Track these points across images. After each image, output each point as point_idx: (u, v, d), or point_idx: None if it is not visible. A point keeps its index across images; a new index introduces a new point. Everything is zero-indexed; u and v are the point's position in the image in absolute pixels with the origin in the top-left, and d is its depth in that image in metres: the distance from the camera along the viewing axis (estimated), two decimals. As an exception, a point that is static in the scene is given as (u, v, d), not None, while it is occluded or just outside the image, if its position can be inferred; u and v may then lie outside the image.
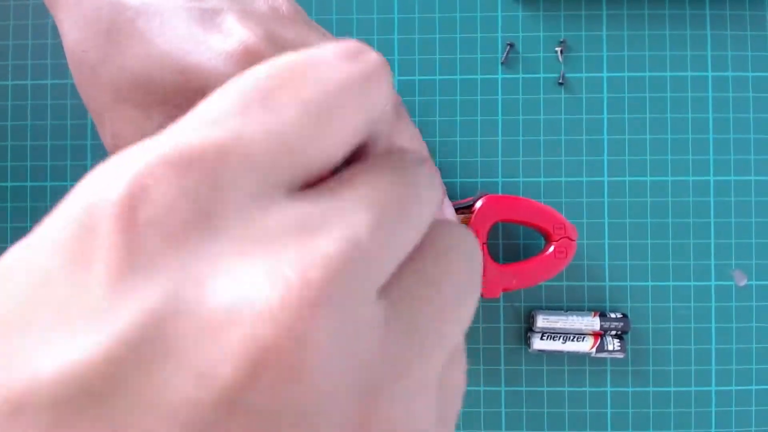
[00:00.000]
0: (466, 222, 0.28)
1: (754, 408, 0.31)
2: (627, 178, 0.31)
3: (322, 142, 0.12)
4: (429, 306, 0.12)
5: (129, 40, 0.23)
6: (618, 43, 0.31)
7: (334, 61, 0.13)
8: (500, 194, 0.30)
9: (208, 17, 0.23)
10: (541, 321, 0.30)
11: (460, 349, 0.15)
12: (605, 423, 0.31)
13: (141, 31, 0.23)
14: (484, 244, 0.28)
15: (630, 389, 0.31)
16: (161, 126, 0.24)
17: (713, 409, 0.31)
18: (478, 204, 0.28)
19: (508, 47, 0.31)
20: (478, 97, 0.31)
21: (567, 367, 0.31)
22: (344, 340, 0.10)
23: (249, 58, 0.22)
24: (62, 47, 0.32)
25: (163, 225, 0.10)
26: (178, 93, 0.24)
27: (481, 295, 0.28)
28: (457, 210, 0.29)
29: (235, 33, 0.23)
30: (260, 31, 0.23)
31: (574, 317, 0.30)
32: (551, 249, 0.28)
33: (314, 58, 0.13)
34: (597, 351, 0.30)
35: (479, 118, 0.31)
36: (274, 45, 0.23)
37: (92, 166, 0.32)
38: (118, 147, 0.25)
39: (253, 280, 0.10)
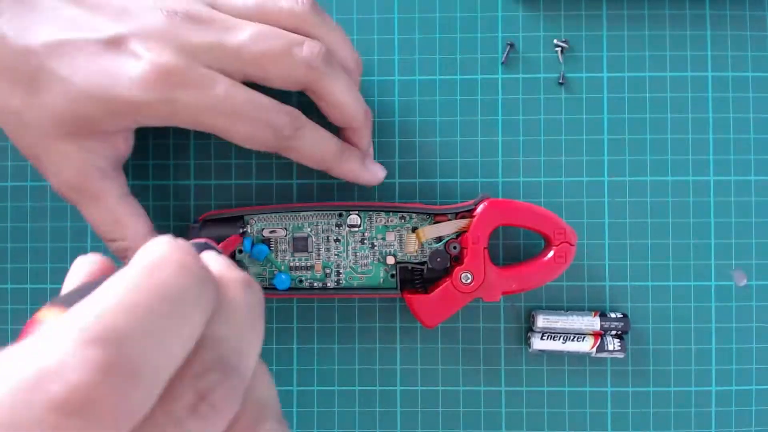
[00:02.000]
0: (466, 227, 0.28)
1: (754, 408, 0.31)
2: (627, 178, 0.31)
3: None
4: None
5: (45, 83, 0.24)
6: (618, 43, 0.31)
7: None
8: (501, 198, 0.29)
9: (113, 47, 0.24)
10: (541, 321, 0.30)
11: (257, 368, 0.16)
12: (605, 423, 0.31)
13: (54, 73, 0.23)
14: (484, 248, 0.28)
15: (630, 389, 0.31)
16: (98, 153, 0.25)
17: (713, 409, 0.31)
18: (479, 208, 0.28)
19: (508, 47, 0.31)
20: (478, 97, 0.31)
21: (567, 367, 0.31)
22: None
23: (164, 75, 0.23)
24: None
25: None
26: (105, 121, 0.24)
27: (482, 299, 0.28)
28: (458, 214, 0.29)
29: (144, 57, 0.23)
30: (166, 47, 0.23)
31: (575, 317, 0.30)
32: (551, 253, 0.28)
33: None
34: (597, 351, 0.30)
35: (479, 118, 0.31)
36: (185, 54, 0.23)
37: (92, 166, 0.32)
38: (62, 184, 0.25)
39: None
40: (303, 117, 0.26)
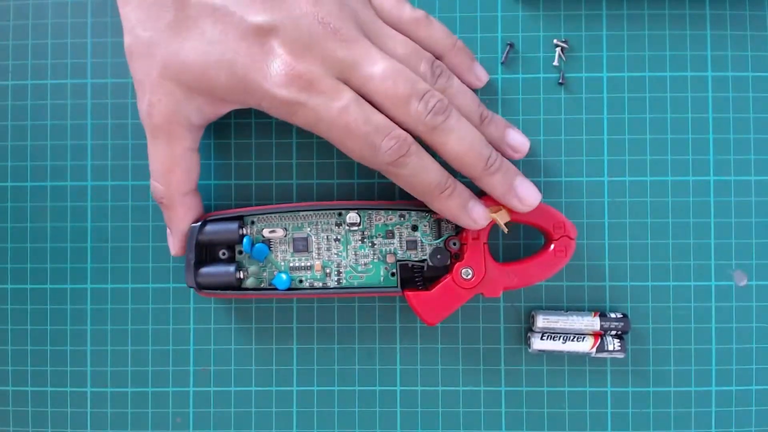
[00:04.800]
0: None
1: (754, 408, 0.31)
2: (627, 178, 0.31)
3: None
4: None
5: (192, 33, 0.26)
6: (618, 43, 0.31)
7: None
8: None
9: (262, 34, 0.25)
10: (541, 321, 0.30)
11: None
12: (605, 423, 0.31)
13: (203, 31, 0.26)
14: (484, 243, 0.28)
15: (630, 389, 0.31)
16: (199, 108, 0.27)
17: (713, 409, 0.31)
18: None
19: (508, 47, 0.31)
20: (478, 97, 0.31)
21: (567, 367, 0.31)
22: None
23: (300, 78, 0.25)
24: (62, 47, 0.32)
25: None
26: (229, 92, 0.26)
27: (482, 294, 0.28)
28: None
29: (288, 56, 0.25)
30: (309, 53, 0.25)
31: (574, 317, 0.30)
32: (551, 248, 0.28)
33: None
34: (597, 351, 0.30)
35: (479, 118, 0.31)
36: (324, 64, 0.25)
37: (92, 166, 0.32)
38: (151, 115, 0.27)
39: None
40: (412, 144, 0.26)
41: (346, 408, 0.31)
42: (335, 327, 0.31)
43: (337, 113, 0.25)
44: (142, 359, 0.31)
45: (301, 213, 0.29)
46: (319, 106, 0.25)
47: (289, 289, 0.29)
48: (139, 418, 0.31)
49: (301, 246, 0.29)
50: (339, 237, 0.29)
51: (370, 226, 0.30)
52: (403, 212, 0.30)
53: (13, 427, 0.31)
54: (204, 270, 0.28)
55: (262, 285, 0.29)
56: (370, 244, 0.29)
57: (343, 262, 0.30)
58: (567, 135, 0.31)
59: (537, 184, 0.31)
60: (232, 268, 0.28)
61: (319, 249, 0.29)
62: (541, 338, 0.30)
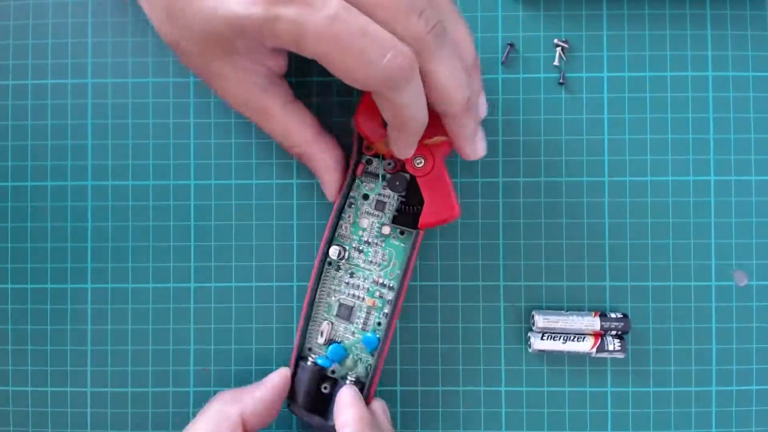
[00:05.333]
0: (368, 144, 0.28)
1: (754, 408, 0.31)
2: (627, 178, 0.31)
3: None
4: None
5: (180, 10, 0.25)
6: (618, 43, 0.31)
7: None
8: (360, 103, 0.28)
9: None
10: (542, 321, 0.30)
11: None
12: (605, 423, 0.31)
13: None
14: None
15: (630, 389, 0.31)
16: (248, 69, 0.26)
17: (713, 409, 0.31)
18: (356, 125, 0.28)
19: (509, 47, 0.31)
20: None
21: (567, 367, 0.31)
22: None
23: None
24: (63, 47, 0.32)
25: None
26: (236, 40, 0.24)
27: (446, 147, 0.28)
28: (360, 145, 0.29)
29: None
30: None
31: (575, 317, 0.30)
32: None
33: None
34: (597, 351, 0.30)
35: (479, 118, 0.31)
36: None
37: (92, 166, 0.32)
38: (232, 101, 0.27)
39: None
40: (416, 67, 0.23)
41: (346, 408, 0.31)
42: (335, 327, 0.31)
43: (325, 23, 0.22)
44: (142, 359, 0.31)
45: (316, 300, 0.29)
46: (302, 17, 0.22)
47: (380, 338, 0.29)
48: (139, 418, 0.31)
49: (346, 311, 0.29)
50: (351, 271, 0.29)
51: (349, 238, 0.29)
52: (348, 201, 0.29)
53: (13, 427, 0.31)
54: (331, 410, 0.28)
55: (368, 361, 0.29)
56: (366, 244, 0.29)
57: (374, 276, 0.29)
58: (567, 135, 0.31)
59: (537, 184, 0.31)
60: (344, 383, 0.29)
61: (354, 295, 0.29)
62: (542, 338, 0.30)
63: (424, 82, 0.24)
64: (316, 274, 0.29)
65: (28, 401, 0.31)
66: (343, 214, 0.30)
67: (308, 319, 0.29)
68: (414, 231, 0.29)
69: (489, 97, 0.31)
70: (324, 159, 0.28)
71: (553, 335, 0.30)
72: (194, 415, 0.31)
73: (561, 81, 0.31)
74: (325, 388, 0.29)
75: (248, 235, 0.31)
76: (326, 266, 0.29)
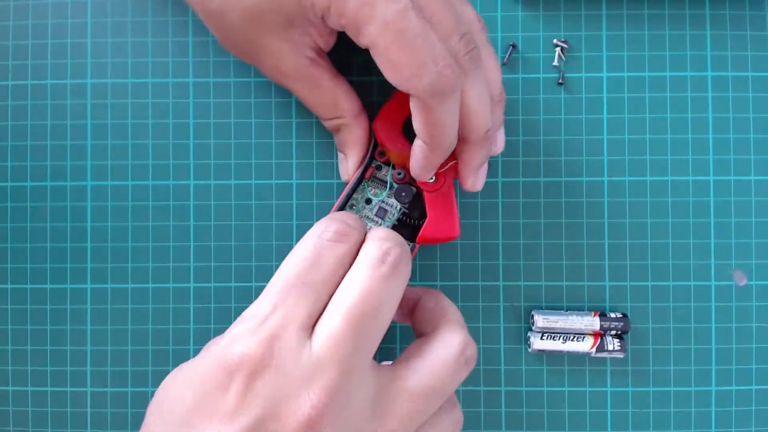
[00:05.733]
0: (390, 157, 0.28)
1: (754, 408, 0.31)
2: (627, 178, 0.31)
3: None
4: None
5: None
6: (618, 43, 0.31)
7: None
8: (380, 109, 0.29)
9: None
10: (541, 321, 0.30)
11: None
12: (605, 423, 0.31)
13: None
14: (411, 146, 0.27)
15: (630, 389, 0.31)
16: (297, 43, 0.26)
17: (713, 409, 0.31)
18: (375, 130, 0.28)
19: (511, 48, 0.31)
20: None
21: (567, 367, 0.31)
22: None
23: None
24: (62, 47, 0.32)
25: None
26: (291, 13, 0.25)
27: (459, 179, 0.28)
28: (375, 152, 0.29)
29: None
30: None
31: (574, 317, 0.30)
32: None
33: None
34: (597, 351, 0.30)
35: (479, 118, 0.31)
36: None
37: (92, 166, 0.32)
38: (280, 75, 0.27)
39: None
40: (459, 83, 0.24)
41: (346, 408, 0.31)
42: (335, 327, 0.31)
43: (394, 15, 0.22)
44: (142, 359, 0.31)
45: None
46: (374, 1, 0.22)
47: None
48: (139, 418, 0.31)
49: None
50: None
51: None
52: (350, 202, 0.29)
53: (13, 427, 0.31)
54: None
55: None
56: None
57: None
58: (567, 135, 0.31)
59: (537, 184, 0.31)
60: None
61: None
62: (541, 338, 0.30)
63: (420, 115, 0.24)
64: None
65: (28, 401, 0.31)
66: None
67: None
68: (410, 244, 0.29)
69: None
70: (360, 135, 0.28)
71: (553, 335, 0.30)
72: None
73: (560, 81, 0.31)
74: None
75: (248, 236, 0.31)
76: None
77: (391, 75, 0.23)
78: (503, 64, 0.31)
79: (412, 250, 0.29)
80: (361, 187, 0.29)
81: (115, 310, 0.31)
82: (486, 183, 0.31)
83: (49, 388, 0.31)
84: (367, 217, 0.29)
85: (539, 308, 0.31)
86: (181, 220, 0.31)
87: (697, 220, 0.31)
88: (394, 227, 0.29)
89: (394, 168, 0.29)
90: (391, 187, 0.29)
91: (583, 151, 0.31)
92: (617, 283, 0.31)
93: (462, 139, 0.26)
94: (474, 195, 0.31)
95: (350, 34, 0.24)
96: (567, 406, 0.31)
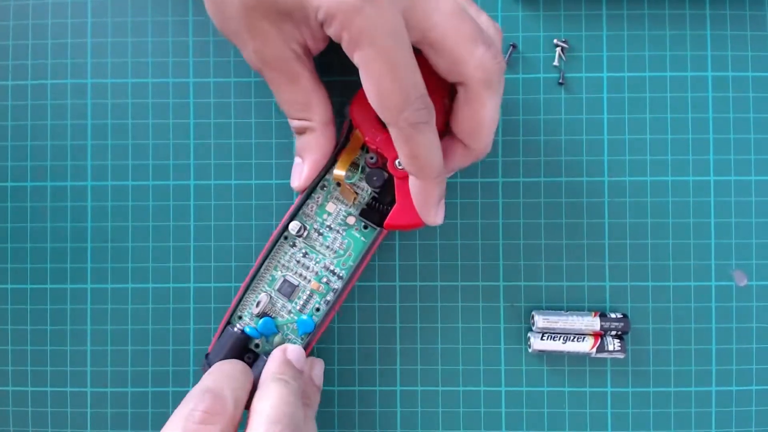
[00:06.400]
0: (362, 138, 0.28)
1: (754, 408, 0.31)
2: (627, 178, 0.31)
3: None
4: None
5: None
6: (618, 43, 0.31)
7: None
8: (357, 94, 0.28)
9: None
10: (541, 321, 0.30)
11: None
12: (605, 423, 0.31)
13: None
14: (386, 133, 0.27)
15: (630, 389, 0.31)
16: (289, 34, 0.26)
17: (713, 409, 0.31)
18: (351, 113, 0.28)
19: (511, 48, 0.31)
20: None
21: (567, 368, 0.31)
22: None
23: None
24: (62, 47, 0.32)
25: None
26: (297, 10, 0.25)
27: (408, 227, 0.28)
28: (347, 137, 0.29)
29: None
30: None
31: (575, 317, 0.30)
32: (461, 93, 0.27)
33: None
34: (597, 351, 0.30)
35: (479, 118, 0.31)
36: None
37: (92, 166, 0.32)
38: (262, 61, 0.27)
39: None
40: (433, 118, 0.25)
41: (346, 408, 0.31)
42: (336, 327, 0.31)
43: (392, 43, 0.23)
44: (142, 359, 0.31)
45: (261, 270, 0.29)
46: (379, 22, 0.23)
47: (317, 325, 0.29)
48: (139, 418, 0.31)
49: (289, 289, 0.29)
50: (305, 251, 0.29)
51: (312, 218, 0.29)
52: (322, 182, 0.29)
53: (13, 427, 0.31)
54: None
55: (298, 343, 0.29)
56: (328, 228, 0.29)
57: (326, 261, 0.29)
58: (567, 135, 0.31)
59: (537, 184, 0.31)
60: (266, 358, 0.28)
61: (301, 275, 0.29)
62: (541, 338, 0.30)
63: (469, 111, 0.25)
64: (269, 245, 0.29)
65: (28, 401, 0.31)
66: (313, 194, 0.29)
67: (248, 286, 0.29)
68: (377, 229, 0.29)
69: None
70: (323, 145, 0.28)
71: (553, 335, 0.30)
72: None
73: (560, 81, 0.31)
74: (249, 357, 0.29)
75: (248, 236, 0.31)
76: (282, 240, 0.29)
77: (376, 102, 0.24)
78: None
79: (378, 235, 0.29)
80: (334, 168, 0.29)
81: (115, 310, 0.31)
82: (486, 183, 0.31)
83: (49, 388, 0.31)
84: (337, 198, 0.29)
85: (539, 308, 0.31)
86: (181, 220, 0.31)
87: (698, 220, 0.31)
88: (363, 211, 0.29)
89: (367, 151, 0.29)
90: (363, 170, 0.29)
91: (583, 152, 0.31)
92: (617, 284, 0.31)
93: (465, 147, 0.27)
94: (474, 195, 0.31)
95: (346, 48, 0.24)
96: (567, 406, 0.31)
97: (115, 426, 0.31)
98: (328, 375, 0.31)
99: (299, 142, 0.29)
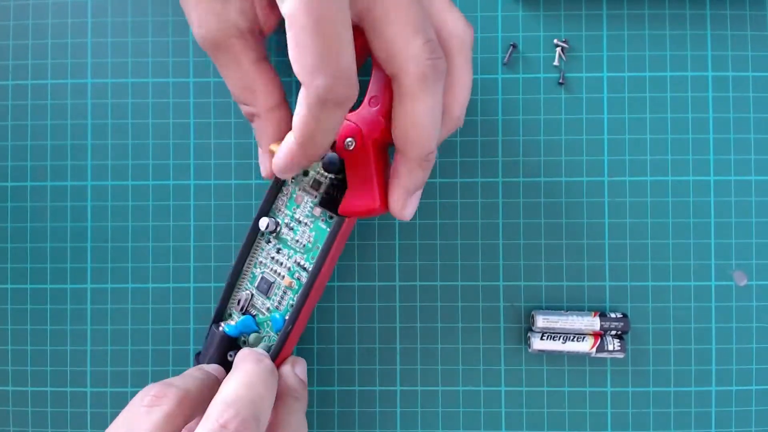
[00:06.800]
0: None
1: (754, 408, 0.31)
2: (627, 178, 0.31)
3: None
4: None
5: None
6: (618, 43, 0.31)
7: None
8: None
9: None
10: (541, 321, 0.30)
11: None
12: (605, 423, 0.31)
13: None
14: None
15: (630, 389, 0.31)
16: (241, 11, 0.25)
17: (713, 409, 0.31)
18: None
19: (512, 48, 0.31)
20: (479, 97, 0.31)
21: (567, 367, 0.31)
22: None
23: None
24: (63, 47, 0.32)
25: None
26: None
27: (374, 140, 0.25)
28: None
29: None
30: None
31: (574, 317, 0.30)
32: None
33: None
34: (597, 351, 0.30)
35: (479, 118, 0.31)
36: None
37: (92, 166, 0.32)
38: (203, 36, 0.25)
39: None
40: (352, 102, 0.22)
41: (346, 408, 0.31)
42: (335, 327, 0.31)
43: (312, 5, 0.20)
44: (142, 359, 0.31)
45: (245, 268, 0.29)
46: None
47: (286, 322, 0.28)
48: (139, 418, 0.31)
49: (266, 285, 0.29)
50: (278, 246, 0.29)
51: (283, 212, 0.29)
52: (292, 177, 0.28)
53: (13, 427, 0.31)
54: None
55: (272, 342, 0.29)
56: (297, 222, 0.28)
57: (297, 256, 0.28)
58: (567, 135, 0.31)
59: (537, 184, 0.31)
60: None
61: (275, 271, 0.29)
62: (541, 338, 0.30)
63: (400, 108, 0.23)
64: (246, 242, 0.28)
65: (28, 401, 0.31)
66: (284, 187, 0.28)
67: (232, 285, 0.29)
68: (338, 217, 0.27)
69: (489, 97, 0.31)
70: (270, 134, 0.26)
71: (553, 335, 0.30)
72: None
73: (561, 81, 0.31)
74: (230, 356, 0.28)
75: (248, 235, 0.31)
76: (259, 236, 0.29)
77: (292, 55, 0.21)
78: (504, 64, 0.31)
79: (339, 224, 0.27)
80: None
81: (115, 310, 0.31)
82: (486, 183, 0.31)
83: (49, 388, 0.31)
84: (305, 189, 0.28)
85: (539, 308, 0.31)
86: (181, 220, 0.31)
87: (698, 220, 0.31)
88: (323, 200, 0.27)
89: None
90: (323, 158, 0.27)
91: (583, 151, 0.31)
92: (617, 284, 0.31)
93: (400, 153, 0.24)
94: (474, 195, 0.31)
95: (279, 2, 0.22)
96: (567, 406, 0.31)
97: (115, 426, 0.31)
98: (328, 375, 0.31)
99: (253, 128, 0.27)
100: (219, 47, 0.25)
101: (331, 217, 0.27)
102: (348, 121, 0.26)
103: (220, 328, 0.28)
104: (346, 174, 0.26)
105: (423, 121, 0.23)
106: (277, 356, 0.27)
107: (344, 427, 0.31)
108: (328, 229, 0.27)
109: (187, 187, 0.31)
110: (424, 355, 0.31)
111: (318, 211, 0.28)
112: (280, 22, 0.25)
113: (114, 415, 0.31)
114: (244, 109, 0.27)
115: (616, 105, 0.31)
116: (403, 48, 0.22)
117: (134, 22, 0.32)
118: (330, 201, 0.27)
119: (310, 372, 0.31)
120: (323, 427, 0.31)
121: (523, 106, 0.31)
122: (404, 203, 0.25)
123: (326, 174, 0.27)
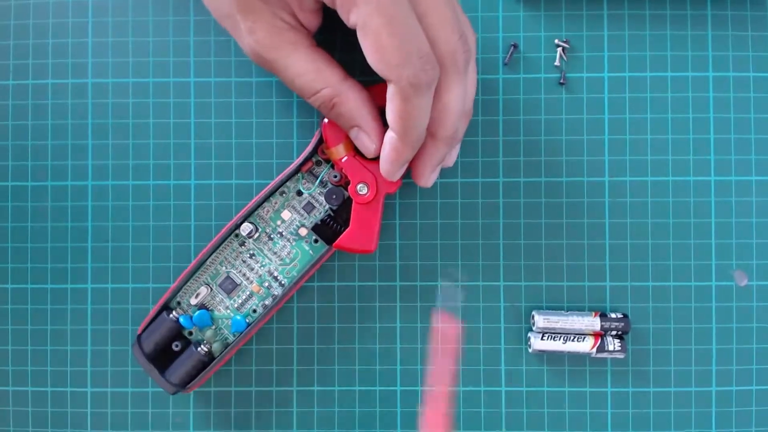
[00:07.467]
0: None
1: (754, 408, 0.31)
2: (628, 178, 0.31)
3: None
4: None
5: None
6: (619, 43, 0.31)
7: None
8: None
9: None
10: (542, 321, 0.30)
11: None
12: (605, 423, 0.31)
13: None
14: (354, 156, 0.28)
15: (630, 389, 0.31)
16: (279, 7, 0.25)
17: (713, 409, 0.31)
18: (320, 132, 0.28)
19: (512, 48, 0.31)
20: (479, 97, 0.31)
21: (567, 368, 0.31)
22: None
23: None
24: (63, 47, 0.32)
25: None
26: None
27: (389, 192, 0.28)
28: (317, 149, 0.29)
29: None
30: None
31: (575, 317, 0.30)
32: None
33: None
34: (597, 351, 0.30)
35: (479, 118, 0.31)
36: None
37: (93, 165, 0.32)
38: (260, 43, 0.26)
39: None
40: (437, 79, 0.24)
41: (346, 408, 0.31)
42: (335, 327, 0.31)
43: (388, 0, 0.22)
44: (143, 359, 0.31)
45: (206, 263, 0.29)
46: None
47: (248, 325, 0.29)
48: (139, 418, 0.31)
49: (230, 285, 0.29)
50: (252, 252, 0.29)
51: (266, 222, 0.29)
52: (282, 189, 0.29)
53: (13, 427, 0.31)
54: (172, 369, 0.28)
55: (228, 340, 0.29)
56: (279, 235, 0.29)
57: (271, 267, 0.30)
58: (568, 135, 0.31)
59: (537, 184, 0.31)
60: (194, 349, 0.28)
61: (245, 275, 0.29)
62: (542, 338, 0.30)
63: (435, 98, 0.25)
64: (219, 238, 0.29)
65: (28, 401, 0.31)
66: (271, 198, 0.29)
67: (191, 275, 0.29)
68: (326, 246, 0.29)
69: (490, 97, 0.31)
70: (358, 97, 0.26)
71: (553, 335, 0.30)
72: (195, 414, 0.31)
73: (561, 81, 0.31)
74: (176, 345, 0.29)
75: (248, 235, 0.31)
76: (233, 237, 0.29)
77: (375, 58, 0.23)
78: (505, 64, 0.31)
79: (326, 252, 0.29)
80: (296, 177, 0.29)
81: (115, 310, 0.31)
82: (487, 183, 0.31)
83: (49, 388, 0.31)
84: (294, 207, 0.29)
85: (540, 308, 0.31)
86: (181, 220, 0.31)
87: (698, 220, 0.31)
88: (316, 226, 0.29)
89: (333, 167, 0.29)
90: (324, 185, 0.29)
91: (584, 152, 0.31)
92: (618, 284, 0.31)
93: (430, 135, 0.26)
94: (475, 195, 0.31)
95: (340, 10, 0.24)
96: (567, 406, 0.31)
97: (115, 426, 0.31)
98: (328, 375, 0.31)
99: (337, 115, 0.27)
100: (276, 46, 0.26)
101: (316, 242, 0.29)
102: (366, 168, 0.28)
103: (173, 316, 0.29)
104: (351, 214, 0.28)
105: (453, 106, 0.25)
106: (224, 358, 0.28)
107: (344, 427, 0.31)
108: (311, 252, 0.30)
109: (187, 187, 0.31)
110: (423, 356, 0.31)
111: (304, 231, 0.29)
112: (324, 24, 0.27)
113: (114, 415, 0.31)
114: (318, 98, 0.26)
115: (617, 105, 0.31)
116: (444, 39, 0.24)
117: (135, 22, 0.32)
118: (323, 229, 0.29)
119: (309, 372, 0.31)
120: (324, 427, 0.31)
121: (523, 106, 0.31)
122: (430, 176, 0.28)
123: (323, 202, 0.29)
